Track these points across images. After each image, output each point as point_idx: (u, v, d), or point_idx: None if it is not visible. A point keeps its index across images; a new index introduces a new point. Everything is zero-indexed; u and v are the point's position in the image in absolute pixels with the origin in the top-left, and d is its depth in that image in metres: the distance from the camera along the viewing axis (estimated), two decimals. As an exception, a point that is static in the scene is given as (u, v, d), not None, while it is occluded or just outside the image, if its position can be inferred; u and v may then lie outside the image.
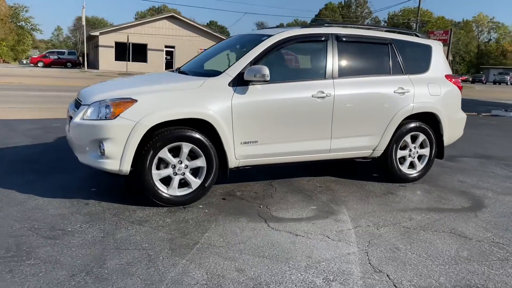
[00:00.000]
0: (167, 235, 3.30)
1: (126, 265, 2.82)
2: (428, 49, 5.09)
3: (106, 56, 34.73)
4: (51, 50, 48.71)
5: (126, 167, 3.65)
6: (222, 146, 3.93)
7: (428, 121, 4.97)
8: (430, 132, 4.96)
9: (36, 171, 4.78)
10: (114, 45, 34.87)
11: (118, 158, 3.62)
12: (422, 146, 5.01)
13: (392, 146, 4.77)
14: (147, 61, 35.81)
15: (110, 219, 3.55)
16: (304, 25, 4.58)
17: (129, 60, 33.80)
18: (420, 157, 5.05)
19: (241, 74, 3.99)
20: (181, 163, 3.84)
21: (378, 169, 5.51)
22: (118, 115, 3.60)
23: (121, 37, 34.42)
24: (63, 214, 3.61)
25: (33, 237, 3.15)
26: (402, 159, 4.94)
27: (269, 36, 4.29)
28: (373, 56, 4.78)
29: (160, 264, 2.85)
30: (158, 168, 3.79)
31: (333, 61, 4.42)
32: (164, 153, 3.76)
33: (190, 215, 3.73)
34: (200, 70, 4.77)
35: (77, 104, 4.06)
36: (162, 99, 3.75)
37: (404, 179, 4.94)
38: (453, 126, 5.15)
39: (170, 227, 3.47)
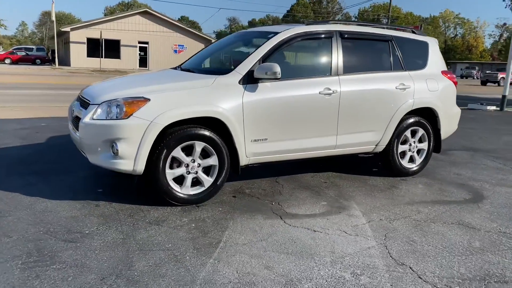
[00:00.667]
0: (188, 235, 3.29)
1: (155, 266, 2.79)
2: (425, 45, 5.21)
3: (78, 53, 33.86)
4: (18, 47, 47.12)
5: (140, 167, 3.60)
6: (234, 144, 3.92)
7: (426, 116, 5.10)
8: (429, 127, 5.10)
9: (36, 172, 4.65)
10: (86, 41, 34.04)
11: (132, 158, 3.56)
12: (420, 140, 5.15)
13: (394, 141, 4.88)
14: (120, 58, 35.15)
15: (126, 220, 3.50)
16: (309, 22, 4.60)
17: (102, 57, 33.07)
18: (418, 151, 5.18)
19: (250, 72, 3.98)
20: (194, 161, 3.82)
21: (377, 164, 5.63)
22: (132, 114, 3.54)
23: (93, 33, 33.64)
24: (76, 216, 3.54)
25: (51, 240, 3.07)
26: (403, 154, 5.06)
27: (276, 33, 4.30)
28: (375, 53, 4.87)
29: (188, 264, 2.84)
30: (171, 167, 3.75)
31: (338, 58, 4.47)
32: (178, 152, 3.72)
33: (205, 214, 3.72)
34: (206, 67, 4.73)
35: (83, 103, 3.96)
36: (175, 98, 3.71)
37: (404, 173, 5.06)
38: (449, 120, 5.30)
39: (189, 226, 3.45)
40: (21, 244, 2.99)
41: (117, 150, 3.52)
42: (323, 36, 4.49)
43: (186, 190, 3.83)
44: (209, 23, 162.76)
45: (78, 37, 33.76)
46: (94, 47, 33.83)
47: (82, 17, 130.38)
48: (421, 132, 5.08)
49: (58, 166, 4.96)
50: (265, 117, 4.03)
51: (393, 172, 5.05)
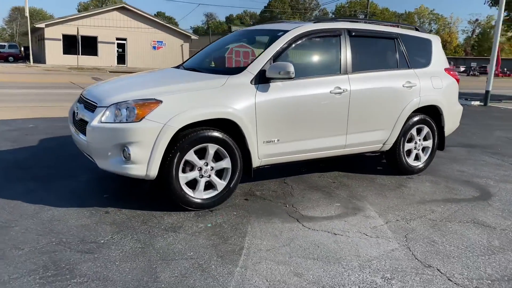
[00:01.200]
0: (208, 242, 3.17)
1: (181, 277, 2.68)
2: (428, 43, 5.21)
3: (53, 50, 32.93)
4: (-11, 44, 45.51)
5: (154, 172, 3.46)
6: (246, 146, 3.82)
7: (431, 114, 5.10)
8: (433, 125, 5.10)
9: (35, 178, 4.44)
10: (61, 38, 33.12)
11: (145, 163, 3.42)
12: (425, 138, 5.15)
13: (400, 139, 4.86)
14: (98, 54, 34.36)
15: (140, 228, 3.36)
16: (316, 19, 4.52)
17: (79, 54, 32.28)
18: (423, 149, 5.18)
19: (262, 71, 3.88)
20: (207, 165, 3.70)
21: (381, 163, 5.62)
22: (144, 117, 3.39)
23: (69, 29, 32.76)
24: (87, 224, 3.37)
25: (66, 252, 2.91)
26: (408, 152, 5.05)
27: (286, 31, 4.20)
28: (382, 51, 4.83)
29: (215, 274, 2.73)
30: (183, 171, 3.63)
31: (346, 56, 4.41)
32: (191, 155, 3.60)
33: (221, 219, 3.61)
34: (213, 66, 4.60)
35: (88, 105, 3.79)
36: (187, 99, 3.57)
37: (410, 171, 5.06)
38: (452, 117, 5.33)
39: (207, 232, 3.33)
40: (35, 257, 2.83)
41: (129, 154, 3.37)
42: (332, 34, 4.42)
43: (199, 194, 3.71)
44: (186, 19, 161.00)
45: (53, 34, 32.82)
46: (70, 44, 32.97)
47: (54, 13, 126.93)
48: (426, 130, 5.08)
49: (57, 170, 4.75)
50: (277, 117, 3.94)
51: (399, 171, 5.04)
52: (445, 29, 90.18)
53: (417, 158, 5.14)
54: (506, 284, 2.78)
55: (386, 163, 5.17)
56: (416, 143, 5.07)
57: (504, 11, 19.53)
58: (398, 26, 5.25)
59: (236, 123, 3.70)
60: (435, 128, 5.13)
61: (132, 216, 3.57)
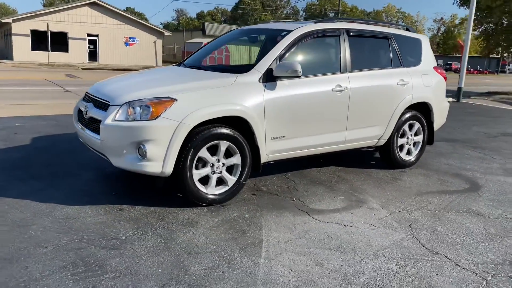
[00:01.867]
0: (227, 235, 3.28)
1: (210, 269, 2.77)
2: (418, 42, 5.45)
3: (21, 46, 31.87)
4: (-50, 39, 43.57)
5: (169, 169, 3.53)
6: (255, 143, 3.94)
7: (421, 110, 5.35)
8: (424, 120, 5.36)
9: (37, 177, 4.41)
10: (29, 33, 32.11)
11: (160, 160, 3.48)
12: (416, 133, 5.40)
13: (394, 134, 5.09)
14: (68, 51, 33.49)
15: (157, 224, 3.42)
16: (317, 20, 4.67)
17: (49, 50, 31.41)
18: (414, 144, 5.43)
19: (269, 70, 4.00)
20: (218, 161, 3.79)
21: (373, 157, 5.84)
22: (160, 115, 3.45)
23: (37, 24, 31.80)
24: (104, 222, 3.41)
25: (91, 249, 2.96)
26: (401, 147, 5.28)
27: (289, 31, 4.33)
28: (377, 50, 5.04)
29: (242, 265, 2.84)
30: (196, 168, 3.71)
31: (346, 55, 4.59)
32: (204, 152, 3.68)
33: (234, 213, 3.71)
34: (216, 64, 4.68)
35: (98, 104, 3.81)
36: (200, 98, 3.65)
37: (403, 165, 5.29)
38: (440, 113, 5.60)
39: (224, 226, 3.43)
40: (61, 254, 2.86)
41: (145, 152, 3.43)
42: (332, 34, 4.58)
43: (211, 190, 3.80)
44: (156, 15, 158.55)
45: (21, 29, 31.77)
46: (39, 40, 32.00)
47: (18, 7, 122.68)
48: (417, 125, 5.33)
49: (57, 169, 4.73)
50: (283, 114, 4.07)
51: (392, 165, 5.26)
52: (412, 27, 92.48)
53: (408, 152, 5.39)
54: (508, 267, 3.01)
55: (380, 157, 5.39)
56: (408, 138, 5.31)
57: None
58: (389, 26, 5.46)
59: (247, 121, 3.81)
60: (425, 123, 5.39)
61: (146, 213, 3.63)
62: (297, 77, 3.99)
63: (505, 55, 23.45)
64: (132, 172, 4.45)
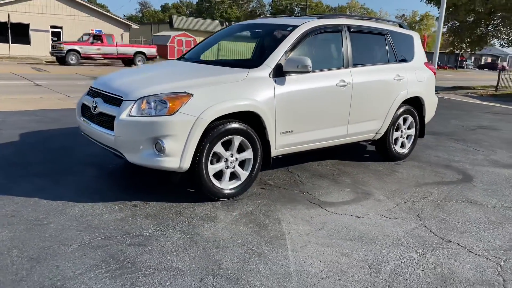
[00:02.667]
0: (248, 229, 3.32)
1: (242, 263, 2.81)
2: (411, 39, 5.63)
3: (-22, 37, 30.38)
4: None
5: (187, 164, 3.52)
6: (266, 137, 3.98)
7: (414, 105, 5.55)
8: (416, 115, 5.55)
9: (39, 175, 4.28)
10: (-13, 24, 30.60)
11: (178, 156, 3.47)
12: (409, 127, 5.59)
13: (390, 128, 5.25)
14: (30, 43, 32.17)
15: (177, 219, 3.42)
16: (319, 16, 4.74)
17: (9, 42, 30.06)
18: (407, 137, 5.62)
19: (279, 65, 4.04)
20: (232, 156, 3.81)
21: (367, 150, 6.00)
22: (177, 110, 3.43)
23: (-5, 15, 30.35)
24: (122, 218, 3.37)
25: (118, 246, 2.93)
26: (396, 140, 5.46)
27: (295, 26, 4.38)
28: (375, 46, 5.17)
29: (272, 258, 2.89)
30: (211, 163, 3.72)
31: (348, 51, 4.69)
32: (219, 147, 3.70)
33: (249, 207, 3.75)
34: (225, 59, 4.67)
35: (109, 99, 3.74)
36: (215, 93, 3.65)
37: (397, 157, 5.48)
38: (431, 108, 5.82)
39: (243, 220, 3.47)
40: (89, 252, 2.82)
41: (163, 147, 3.40)
42: (335, 29, 4.66)
43: (225, 185, 3.82)
44: (118, 7, 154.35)
45: (-22, 20, 30.25)
46: (-1, 31, 30.61)
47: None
48: (410, 119, 5.52)
49: (57, 166, 4.60)
50: (293, 109, 4.13)
51: (388, 157, 5.44)
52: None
53: (402, 145, 5.58)
54: (516, 252, 3.21)
55: (376, 150, 5.55)
56: (402, 131, 5.50)
57: (438, 9, 21.05)
58: (383, 22, 5.61)
59: (259, 115, 3.85)
60: (417, 117, 5.59)
61: (162, 208, 3.61)
62: (307, 72, 4.05)
63: (468, 51, 24.42)
64: (136, 168, 4.43)
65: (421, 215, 3.81)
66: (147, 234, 3.14)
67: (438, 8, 21.13)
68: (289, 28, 4.38)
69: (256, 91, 3.86)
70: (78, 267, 2.64)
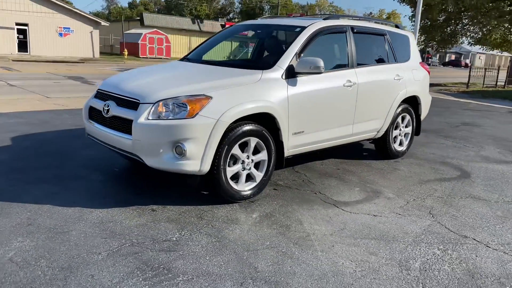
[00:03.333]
0: (273, 231, 3.33)
1: (277, 265, 2.82)
2: (407, 39, 5.76)
3: None
4: None
5: (207, 167, 3.49)
6: (280, 138, 3.99)
7: (411, 103, 5.68)
8: (413, 113, 5.69)
9: (45, 180, 4.14)
10: None
11: (199, 158, 3.44)
12: (406, 125, 5.72)
13: (390, 127, 5.36)
14: (-7, 41, 30.93)
15: (199, 223, 3.39)
16: (325, 16, 4.79)
17: (-28, 40, 28.81)
18: (405, 135, 5.76)
19: (290, 66, 4.06)
20: (248, 157, 3.81)
21: (364, 149, 6.11)
22: (198, 113, 3.40)
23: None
24: (144, 224, 3.32)
25: (148, 252, 2.88)
26: (395, 138, 5.58)
27: (303, 27, 4.40)
28: (376, 46, 5.26)
29: (305, 259, 2.91)
30: (228, 165, 3.70)
31: (352, 51, 4.76)
32: (236, 149, 3.69)
33: (268, 209, 3.76)
34: (233, 59, 4.64)
35: (123, 102, 3.66)
36: (232, 95, 3.64)
37: (396, 155, 5.60)
38: (426, 106, 5.98)
39: (266, 222, 3.47)
40: (121, 260, 2.76)
41: (184, 150, 3.36)
42: (340, 30, 4.72)
43: (242, 187, 3.82)
44: (84, 4, 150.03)
45: None
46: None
47: None
48: (408, 118, 5.65)
49: (60, 171, 4.46)
50: (304, 110, 4.16)
51: (387, 155, 5.55)
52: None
53: (401, 143, 5.71)
54: (529, 245, 3.35)
55: (376, 148, 5.65)
56: (400, 130, 5.62)
57: (411, 8, 21.62)
58: (381, 23, 5.71)
59: (274, 117, 3.86)
60: (414, 116, 5.73)
61: (181, 212, 3.57)
62: (319, 73, 4.08)
63: (439, 49, 25.21)
64: (141, 171, 4.41)
65: (432, 212, 3.92)
66: (174, 239, 3.10)
67: (411, 7, 21.73)
68: (297, 29, 4.40)
69: (270, 92, 3.86)
70: (114, 276, 2.58)
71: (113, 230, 3.18)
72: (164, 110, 3.45)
